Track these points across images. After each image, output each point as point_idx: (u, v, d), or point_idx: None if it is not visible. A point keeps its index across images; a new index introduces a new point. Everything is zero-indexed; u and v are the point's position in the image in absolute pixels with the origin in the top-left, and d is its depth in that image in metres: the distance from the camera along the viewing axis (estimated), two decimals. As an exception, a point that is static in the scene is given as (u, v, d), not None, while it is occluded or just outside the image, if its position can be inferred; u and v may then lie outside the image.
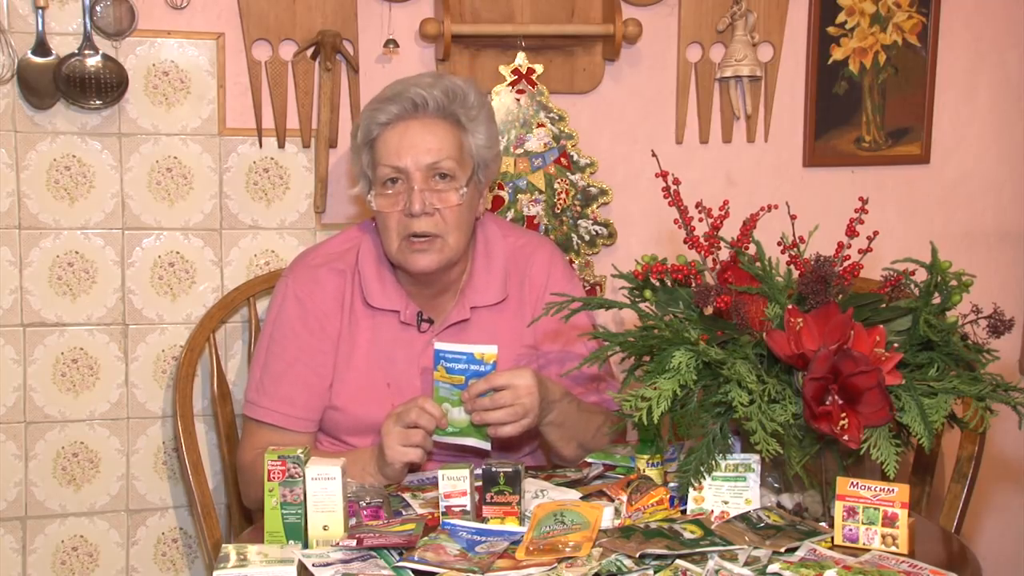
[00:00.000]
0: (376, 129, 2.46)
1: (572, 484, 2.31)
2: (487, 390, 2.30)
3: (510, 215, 3.00)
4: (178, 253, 2.87)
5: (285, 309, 2.52)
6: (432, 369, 2.36)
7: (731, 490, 2.11)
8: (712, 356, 2.04)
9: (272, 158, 2.91)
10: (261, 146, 2.90)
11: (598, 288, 3.06)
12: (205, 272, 2.89)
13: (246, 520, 2.78)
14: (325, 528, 2.02)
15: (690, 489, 2.12)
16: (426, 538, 2.00)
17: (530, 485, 2.23)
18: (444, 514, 2.11)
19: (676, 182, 2.24)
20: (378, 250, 2.53)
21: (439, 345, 2.35)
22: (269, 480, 2.01)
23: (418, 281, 2.51)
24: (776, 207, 2.24)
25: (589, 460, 2.44)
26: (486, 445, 2.36)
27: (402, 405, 2.35)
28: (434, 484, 2.25)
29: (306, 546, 2.02)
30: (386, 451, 2.31)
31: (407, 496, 2.27)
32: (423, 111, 2.45)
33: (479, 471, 2.12)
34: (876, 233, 2.21)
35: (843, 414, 1.98)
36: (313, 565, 1.91)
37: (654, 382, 2.04)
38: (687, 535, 1.99)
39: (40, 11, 2.69)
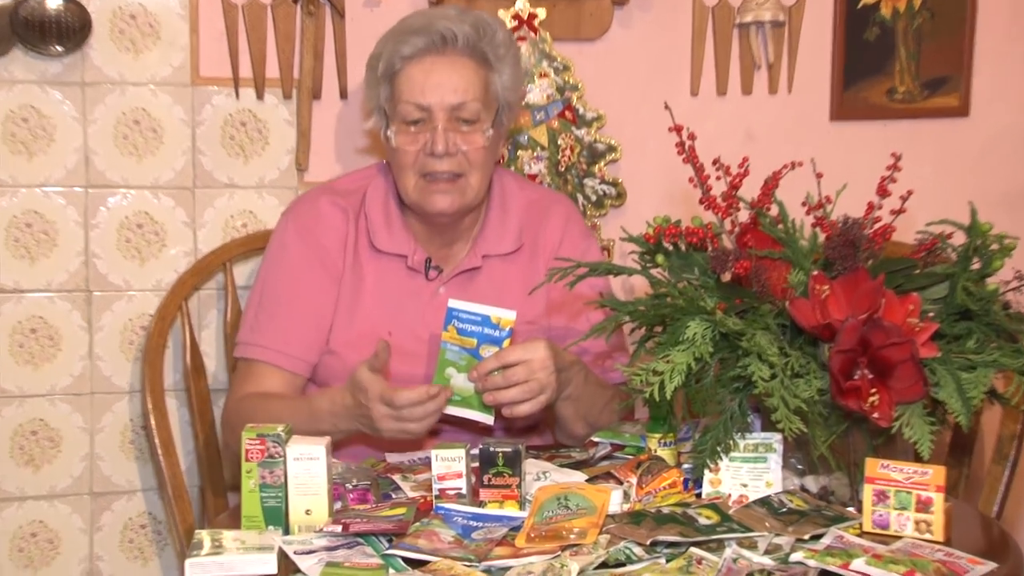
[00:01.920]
0: (399, 63, 2.50)
1: (577, 465, 2.31)
2: (498, 367, 2.31)
3: (510, 173, 3.00)
4: (147, 214, 2.86)
5: (285, 243, 2.57)
6: (442, 328, 2.36)
7: (750, 472, 2.11)
8: (730, 327, 2.04)
9: (250, 110, 2.90)
10: (238, 97, 2.89)
11: (606, 253, 3.06)
12: (177, 234, 2.88)
13: (221, 504, 2.79)
14: (308, 512, 2.02)
15: (706, 471, 2.12)
16: (418, 524, 2.00)
17: (531, 466, 2.23)
18: (438, 497, 2.10)
19: (691, 137, 2.23)
20: (387, 191, 2.59)
21: (453, 303, 2.36)
22: (247, 460, 2.01)
23: (431, 226, 2.56)
24: (800, 164, 2.23)
25: (596, 439, 2.44)
26: (488, 419, 2.37)
27: (398, 392, 2.30)
28: (426, 465, 2.24)
29: (287, 532, 2.02)
30: (380, 430, 2.32)
31: (397, 478, 2.27)
32: (451, 47, 2.49)
33: (476, 451, 2.12)
34: (910, 192, 2.20)
35: (873, 390, 1.98)
36: (295, 553, 1.91)
37: (667, 355, 2.04)
38: (702, 521, 1.99)
39: (-5, -53, 2.68)
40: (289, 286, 2.54)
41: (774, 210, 2.22)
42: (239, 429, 2.17)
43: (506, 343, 2.33)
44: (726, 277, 2.16)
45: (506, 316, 2.33)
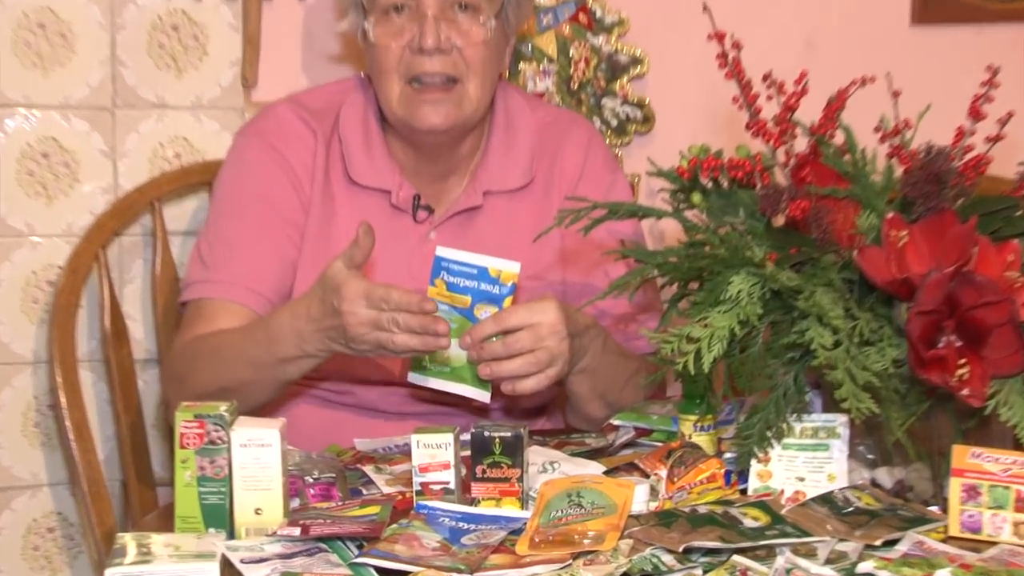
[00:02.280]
0: None
1: (593, 454, 2.32)
2: (497, 333, 2.30)
3: (509, 91, 3.00)
4: (55, 140, 2.86)
5: (243, 159, 2.59)
6: (428, 281, 2.34)
7: (808, 463, 2.13)
8: (784, 282, 2.04)
9: (183, 12, 2.90)
10: (168, -6, 2.89)
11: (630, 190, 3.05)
12: (93, 167, 2.89)
13: (149, 502, 2.80)
14: (258, 512, 2.02)
15: (753, 461, 2.14)
16: (395, 526, 2.01)
17: (535, 455, 2.24)
18: (419, 493, 2.11)
19: (736, 47, 2.24)
20: (366, 110, 2.60)
21: (443, 251, 2.34)
22: (182, 447, 2.02)
23: (420, 153, 2.58)
24: (873, 80, 2.23)
25: (616, 422, 2.44)
26: (484, 397, 2.37)
27: (391, 288, 2.24)
28: (405, 454, 2.26)
29: (232, 536, 2.02)
30: (353, 340, 2.27)
31: (369, 470, 2.27)
32: None
33: (467, 436, 2.12)
34: (1010, 114, 2.20)
35: (962, 360, 1.99)
36: (242, 562, 1.91)
37: (704, 317, 2.05)
38: (748, 523, 2.00)
39: None
40: (252, 207, 2.55)
41: (839, 137, 2.22)
42: (188, 378, 2.16)
43: (507, 302, 2.32)
44: (779, 221, 2.17)
45: (508, 268, 2.31)
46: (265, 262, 2.53)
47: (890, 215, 2.07)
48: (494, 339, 2.30)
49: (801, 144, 2.25)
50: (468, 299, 2.32)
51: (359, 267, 2.24)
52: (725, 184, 2.25)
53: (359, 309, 2.21)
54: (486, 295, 2.31)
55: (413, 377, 2.37)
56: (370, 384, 2.57)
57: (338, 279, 2.22)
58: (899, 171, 2.17)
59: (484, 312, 2.32)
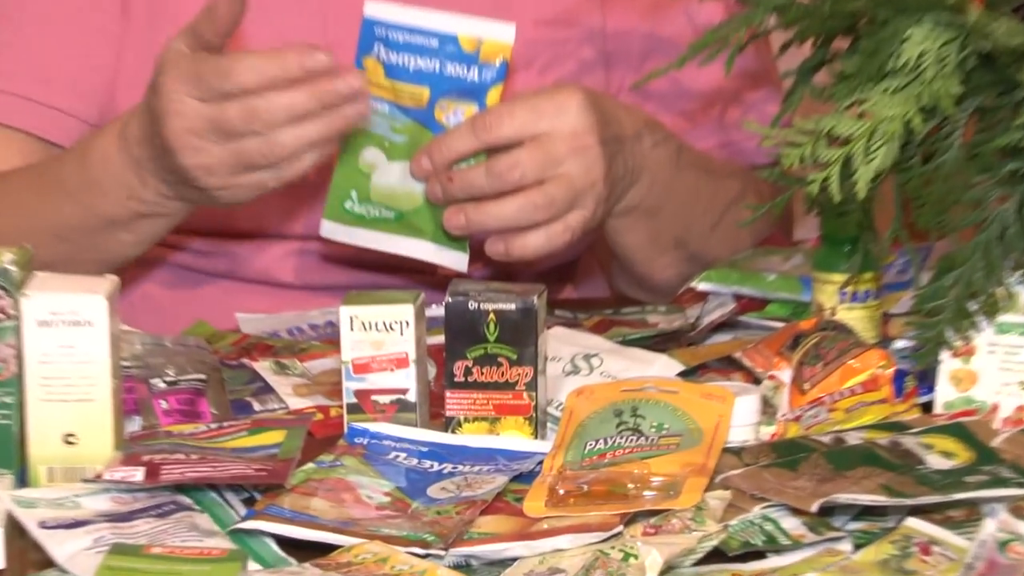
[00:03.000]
0: None
1: (663, 342, 2.35)
2: (477, 151, 2.29)
3: None
4: None
5: None
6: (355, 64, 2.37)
7: (1040, 359, 2.12)
8: (1000, 39, 2.00)
9: None
10: None
11: None
12: None
13: None
14: (70, 440, 2.02)
15: (943, 355, 2.10)
16: (311, 465, 1.99)
17: (560, 344, 2.23)
18: (355, 409, 2.09)
19: None
20: None
21: (376, 8, 2.34)
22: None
23: None
24: None
25: (701, 287, 2.45)
26: (457, 260, 2.39)
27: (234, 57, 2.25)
28: (329, 339, 2.30)
29: (24, 482, 2.02)
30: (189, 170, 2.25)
31: (264, 367, 2.29)
32: None
33: (438, 309, 2.10)
34: None
35: None
36: (42, 526, 1.88)
37: (860, 101, 2.02)
38: (934, 462, 1.96)
39: None
40: None
41: None
42: None
43: (493, 95, 2.33)
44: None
45: (493, 36, 2.34)
46: (67, 47, 2.57)
47: None
48: (471, 162, 2.29)
49: None
50: (424, 91, 2.36)
51: (214, 49, 2.20)
52: None
53: (186, 102, 2.17)
54: (456, 84, 2.35)
55: (329, 228, 2.41)
56: (257, 239, 2.59)
57: (163, 60, 2.20)
58: None
59: (453, 114, 2.34)
